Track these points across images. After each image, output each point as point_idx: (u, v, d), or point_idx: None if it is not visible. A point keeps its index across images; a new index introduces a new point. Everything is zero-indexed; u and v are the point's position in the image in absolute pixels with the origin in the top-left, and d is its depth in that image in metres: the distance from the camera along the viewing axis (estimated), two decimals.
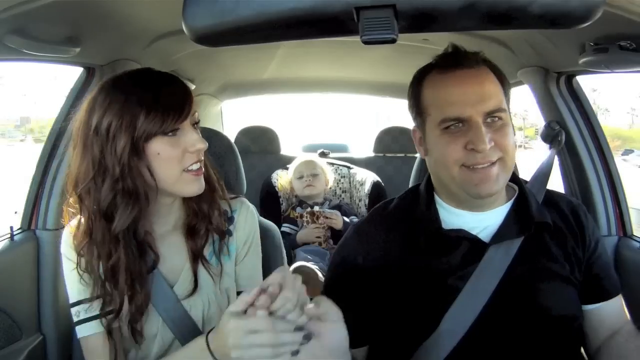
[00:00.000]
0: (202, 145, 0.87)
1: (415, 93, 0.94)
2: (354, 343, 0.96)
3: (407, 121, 3.13)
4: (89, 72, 1.36)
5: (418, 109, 0.93)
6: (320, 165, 2.26)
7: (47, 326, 1.26)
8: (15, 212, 1.44)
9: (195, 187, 0.89)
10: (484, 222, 0.93)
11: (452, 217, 0.94)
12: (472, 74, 0.87)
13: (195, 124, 0.90)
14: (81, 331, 0.92)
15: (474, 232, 0.92)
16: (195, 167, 0.88)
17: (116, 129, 0.82)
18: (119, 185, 0.83)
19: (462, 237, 0.91)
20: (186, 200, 0.95)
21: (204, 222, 0.95)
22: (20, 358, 1.17)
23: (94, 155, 0.83)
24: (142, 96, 0.83)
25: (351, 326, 0.95)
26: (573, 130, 1.40)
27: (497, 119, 0.87)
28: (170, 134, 0.84)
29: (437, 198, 0.97)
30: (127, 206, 0.84)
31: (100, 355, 0.91)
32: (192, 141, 0.86)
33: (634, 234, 1.37)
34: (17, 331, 1.18)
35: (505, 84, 0.91)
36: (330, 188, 2.31)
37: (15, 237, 1.27)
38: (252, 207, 1.05)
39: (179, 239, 0.95)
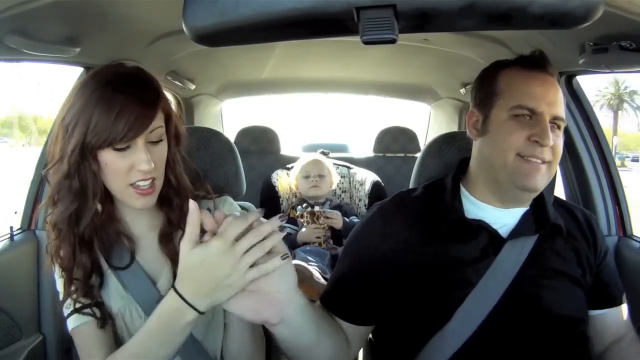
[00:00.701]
0: (147, 167, 0.83)
1: (488, 78, 0.98)
2: (359, 320, 0.97)
3: (407, 121, 3.13)
4: (89, 72, 1.36)
5: (488, 91, 0.97)
6: (327, 167, 2.25)
7: (47, 326, 1.27)
8: (15, 212, 1.43)
9: (139, 203, 0.87)
10: (503, 219, 0.96)
11: (475, 209, 0.97)
12: (552, 81, 0.94)
13: (157, 141, 0.87)
14: (71, 323, 0.90)
15: (494, 227, 0.94)
16: (142, 184, 0.85)
17: (72, 127, 0.82)
18: (66, 182, 0.84)
19: (482, 227, 0.94)
20: (159, 207, 0.94)
21: (178, 230, 0.94)
22: (20, 358, 1.17)
23: (60, 144, 0.84)
24: (99, 101, 0.81)
25: (361, 302, 0.96)
26: (573, 130, 1.40)
27: (557, 126, 0.93)
28: (120, 150, 0.83)
29: (462, 189, 1.00)
30: (65, 202, 0.85)
31: (89, 345, 0.89)
32: (138, 160, 0.83)
33: (634, 233, 1.37)
34: (17, 331, 1.18)
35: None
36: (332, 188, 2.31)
37: (15, 237, 1.27)
38: (235, 205, 1.04)
39: (157, 240, 0.95)
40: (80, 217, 0.86)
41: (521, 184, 0.90)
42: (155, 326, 0.78)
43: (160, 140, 0.88)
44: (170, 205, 0.94)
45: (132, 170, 0.84)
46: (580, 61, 1.12)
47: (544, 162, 0.90)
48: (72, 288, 0.88)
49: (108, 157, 0.83)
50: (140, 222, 0.95)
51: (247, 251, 0.70)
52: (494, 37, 1.38)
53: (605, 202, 1.37)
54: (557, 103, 0.92)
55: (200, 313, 0.74)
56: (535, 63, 0.96)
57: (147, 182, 0.86)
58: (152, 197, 0.88)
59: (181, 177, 0.94)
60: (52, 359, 1.26)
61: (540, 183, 0.91)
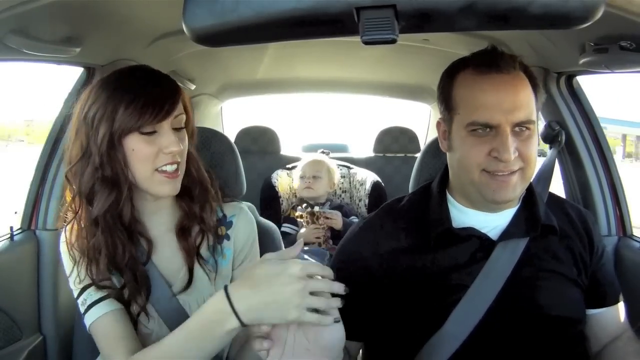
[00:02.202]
0: (176, 148, 0.87)
1: (446, 87, 0.92)
2: (350, 335, 0.97)
3: (407, 121, 3.12)
4: (89, 72, 1.36)
5: (447, 104, 0.92)
6: (326, 168, 2.24)
7: (47, 326, 1.26)
8: (15, 212, 1.43)
9: (166, 188, 0.89)
10: (493, 222, 0.94)
11: (463, 216, 0.95)
12: (508, 80, 0.86)
13: (180, 128, 0.90)
14: (89, 318, 0.88)
15: (483, 231, 0.93)
16: (169, 168, 0.88)
17: (99, 119, 0.85)
18: (99, 172, 0.86)
19: (471, 235, 0.92)
20: (178, 201, 0.96)
21: (195, 222, 0.95)
22: (20, 358, 1.17)
23: (82, 141, 0.87)
24: (126, 91, 0.85)
25: (351, 318, 0.95)
26: (573, 130, 1.40)
27: (524, 129, 0.86)
28: (147, 131, 0.86)
29: (449, 196, 0.98)
30: (104, 193, 0.86)
31: (113, 336, 0.86)
32: (167, 142, 0.86)
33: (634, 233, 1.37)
34: (17, 331, 1.18)
35: (538, 92, 0.90)
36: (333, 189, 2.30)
37: (15, 237, 1.27)
38: (250, 214, 1.05)
39: (175, 240, 0.96)
40: (121, 207, 0.88)
41: (491, 199, 0.88)
42: (194, 327, 0.78)
43: (182, 128, 0.91)
44: (191, 196, 0.95)
45: (159, 154, 0.87)
46: (581, 61, 1.12)
47: (512, 172, 0.86)
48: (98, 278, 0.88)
49: (135, 143, 0.85)
50: (159, 222, 0.96)
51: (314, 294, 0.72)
52: (494, 37, 1.38)
53: (605, 202, 1.37)
54: (516, 108, 0.84)
55: (242, 324, 0.73)
56: (486, 63, 0.87)
57: (173, 167, 0.88)
58: (178, 182, 0.91)
59: (200, 169, 0.97)
60: (52, 359, 1.26)
61: (512, 194, 0.88)
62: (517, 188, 0.88)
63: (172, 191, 0.91)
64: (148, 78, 0.89)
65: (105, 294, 0.89)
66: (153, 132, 0.86)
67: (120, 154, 0.85)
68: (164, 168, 0.88)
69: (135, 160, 0.86)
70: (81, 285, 0.90)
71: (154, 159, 0.87)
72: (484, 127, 0.86)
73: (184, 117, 0.91)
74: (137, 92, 0.85)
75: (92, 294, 0.89)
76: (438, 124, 0.97)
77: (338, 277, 0.97)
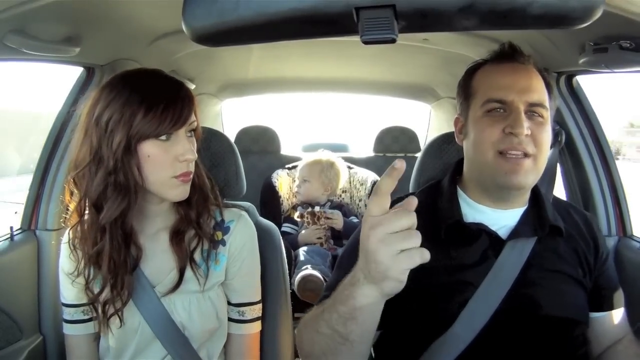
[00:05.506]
0: (192, 156, 0.88)
1: (466, 80, 0.99)
2: None
3: (407, 121, 3.12)
4: (89, 72, 1.36)
5: (466, 93, 0.97)
6: (317, 173, 2.19)
7: (47, 326, 1.26)
8: (16, 212, 1.43)
9: (179, 192, 0.90)
10: (502, 220, 0.94)
11: (473, 211, 0.95)
12: (523, 68, 0.93)
13: (192, 131, 0.91)
14: (67, 328, 1.00)
15: (492, 229, 0.93)
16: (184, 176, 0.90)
17: (115, 123, 0.84)
18: (111, 178, 0.85)
19: (482, 230, 0.92)
20: (176, 205, 0.96)
21: (190, 228, 0.96)
22: (20, 358, 1.17)
23: (92, 144, 0.86)
24: (144, 97, 0.84)
25: None
26: (573, 130, 1.40)
27: (537, 115, 0.90)
28: (163, 137, 0.85)
29: (459, 191, 0.98)
30: (116, 199, 0.86)
31: (77, 354, 1.00)
32: (183, 150, 0.87)
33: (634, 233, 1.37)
34: (17, 331, 1.18)
35: (551, 93, 0.94)
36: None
37: (15, 237, 1.27)
38: (250, 221, 1.05)
39: (167, 241, 0.96)
40: (126, 214, 0.88)
41: (503, 182, 0.88)
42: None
43: (194, 132, 0.92)
44: (190, 202, 0.95)
45: (174, 162, 0.87)
46: (580, 61, 1.12)
47: (526, 155, 0.87)
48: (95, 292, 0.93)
49: (151, 149, 0.85)
50: (154, 223, 0.96)
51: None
52: (494, 37, 1.38)
53: (605, 202, 1.37)
54: (530, 89, 0.89)
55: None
56: (503, 55, 0.96)
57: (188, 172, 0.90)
58: (188, 186, 0.92)
59: (202, 176, 0.97)
60: (52, 359, 1.26)
61: (524, 180, 0.88)
62: (528, 175, 0.88)
63: (184, 195, 0.91)
64: (164, 84, 0.89)
65: (77, 319, 0.98)
66: (169, 136, 0.86)
67: (134, 160, 0.85)
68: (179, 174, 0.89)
69: (150, 166, 0.86)
70: (69, 302, 0.98)
71: (169, 166, 0.87)
72: (498, 106, 0.90)
73: (195, 122, 0.91)
74: (156, 97, 0.85)
75: (72, 313, 0.99)
76: (456, 120, 1.01)
77: (348, 271, 0.97)
